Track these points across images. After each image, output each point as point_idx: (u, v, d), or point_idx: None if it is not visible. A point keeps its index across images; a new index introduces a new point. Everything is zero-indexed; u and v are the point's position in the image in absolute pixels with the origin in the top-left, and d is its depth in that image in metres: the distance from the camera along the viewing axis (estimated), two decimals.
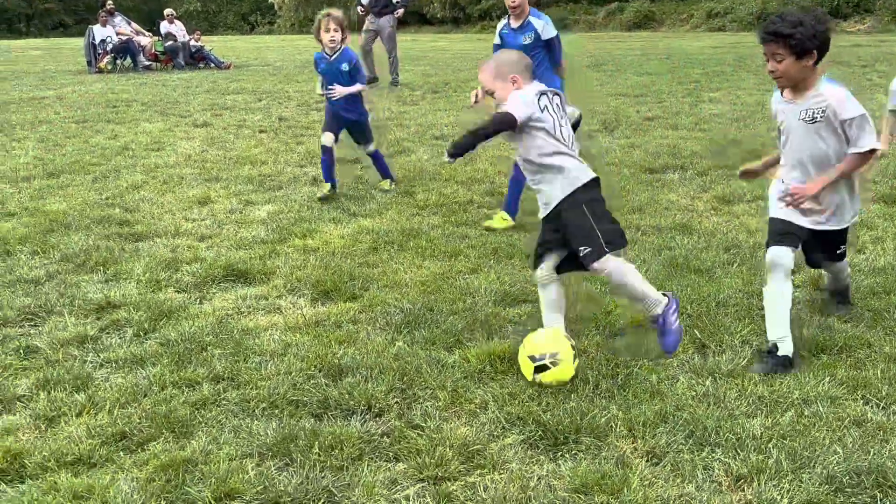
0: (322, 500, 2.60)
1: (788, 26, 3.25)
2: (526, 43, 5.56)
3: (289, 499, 2.60)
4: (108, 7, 19.20)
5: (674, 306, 3.49)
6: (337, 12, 6.38)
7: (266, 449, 2.87)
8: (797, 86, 3.44)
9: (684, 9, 34.09)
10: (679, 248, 5.01)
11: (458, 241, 5.31)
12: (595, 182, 3.60)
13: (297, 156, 8.26)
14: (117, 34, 18.74)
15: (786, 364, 3.40)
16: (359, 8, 14.74)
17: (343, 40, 6.37)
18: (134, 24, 20.31)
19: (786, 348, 3.43)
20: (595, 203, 3.53)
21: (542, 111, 3.52)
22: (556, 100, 3.64)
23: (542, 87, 3.67)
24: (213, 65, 19.23)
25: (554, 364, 3.31)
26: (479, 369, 3.46)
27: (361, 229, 5.59)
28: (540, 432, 2.95)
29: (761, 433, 2.90)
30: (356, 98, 6.46)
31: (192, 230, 5.65)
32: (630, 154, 7.92)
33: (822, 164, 3.47)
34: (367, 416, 3.11)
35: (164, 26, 19.82)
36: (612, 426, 2.97)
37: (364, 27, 14.74)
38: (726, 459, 2.76)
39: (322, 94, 6.60)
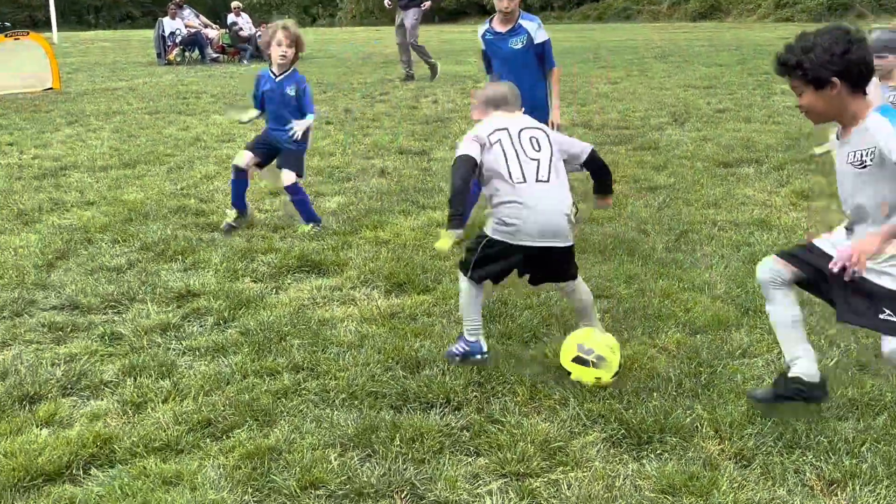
0: (405, 493, 2.61)
1: (796, 55, 2.72)
2: (517, 48, 5.17)
3: (372, 490, 2.61)
4: (178, 0, 19.55)
5: None
6: (293, 25, 5.51)
7: (347, 439, 2.89)
8: (841, 121, 2.79)
9: None
10: (759, 244, 4.89)
11: None
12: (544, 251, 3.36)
13: (363, 147, 8.30)
14: (186, 27, 19.10)
15: (797, 391, 2.92)
16: (386, 2, 14.55)
17: (295, 59, 5.48)
18: (202, 17, 20.67)
19: (800, 369, 2.94)
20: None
21: (492, 146, 3.36)
22: (529, 135, 3.45)
23: (506, 123, 3.48)
24: None
25: (594, 365, 3.24)
26: (557, 364, 3.42)
27: (431, 221, 5.59)
28: (623, 431, 2.91)
29: (854, 437, 2.81)
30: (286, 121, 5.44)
31: (265, 220, 5.72)
32: (702, 147, 7.77)
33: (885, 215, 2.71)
34: (447, 410, 3.10)
35: (231, 18, 20.12)
36: (697, 426, 2.91)
37: (396, 23, 14.47)
38: (818, 463, 2.68)
39: (246, 122, 6.01)
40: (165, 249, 5.02)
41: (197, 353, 3.63)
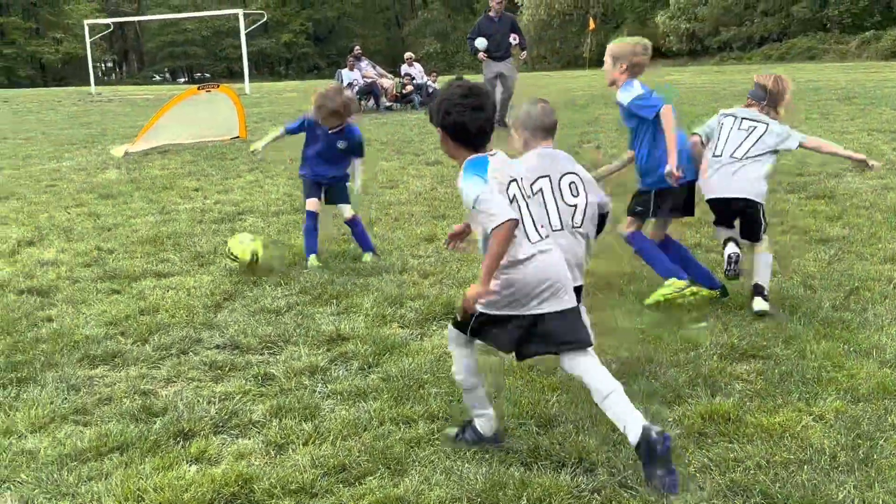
0: None
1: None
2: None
3: None
4: (356, 52, 20.63)
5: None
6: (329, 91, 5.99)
7: (475, 494, 2.88)
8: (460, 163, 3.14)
9: None
10: None
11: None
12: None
13: None
14: (363, 77, 20.08)
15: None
16: (480, 55, 14.21)
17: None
18: (378, 68, 21.66)
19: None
20: None
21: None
22: (543, 184, 3.63)
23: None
24: None
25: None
26: (700, 429, 3.26)
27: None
28: None
29: None
30: (342, 156, 6.06)
31: (417, 266, 5.86)
32: (883, 197, 7.22)
33: None
34: (578, 470, 3.02)
35: (404, 69, 20.97)
36: None
37: (484, 73, 14.34)
38: None
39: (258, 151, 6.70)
40: (322, 293, 5.25)
41: (340, 396, 3.75)
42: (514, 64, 14.58)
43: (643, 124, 4.68)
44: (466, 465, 3.08)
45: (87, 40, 34.03)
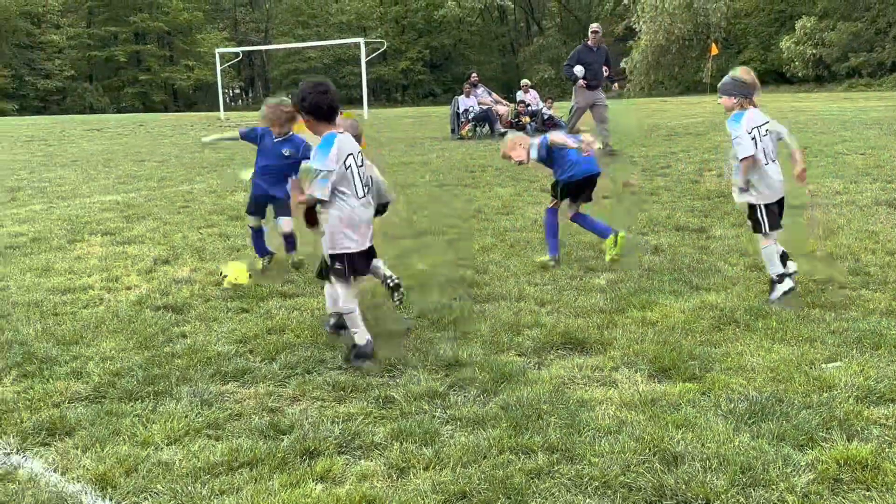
0: None
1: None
2: None
3: None
4: (473, 79, 20.89)
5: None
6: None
7: None
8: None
9: None
10: None
11: (813, 324, 4.88)
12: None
13: (638, 223, 8.22)
14: (479, 104, 20.30)
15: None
16: (581, 81, 14.54)
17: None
18: (494, 94, 21.86)
19: None
20: None
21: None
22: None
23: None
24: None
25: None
26: (835, 475, 3.11)
27: (704, 304, 5.37)
28: None
29: None
30: (288, 168, 6.34)
31: (534, 294, 5.85)
32: None
33: None
34: None
35: (520, 95, 21.07)
36: None
37: (577, 99, 14.88)
38: None
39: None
40: (440, 318, 5.31)
41: (459, 423, 3.78)
42: (604, 93, 15.22)
43: None
44: (588, 499, 3.05)
45: (218, 68, 35.81)
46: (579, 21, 75.54)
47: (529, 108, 20.78)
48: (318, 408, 4.00)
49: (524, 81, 22.08)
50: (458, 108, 20.20)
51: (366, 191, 4.61)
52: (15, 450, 3.62)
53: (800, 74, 47.64)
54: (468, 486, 3.15)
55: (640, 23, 55.00)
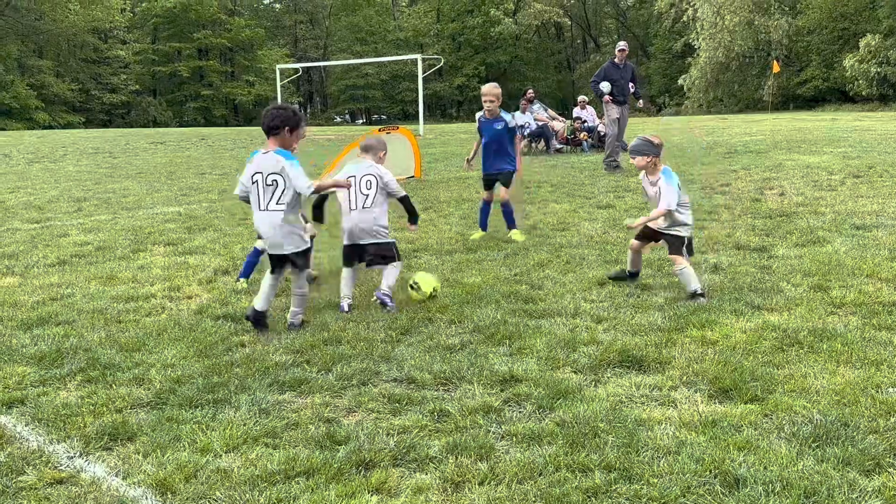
0: None
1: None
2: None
3: None
4: (529, 95, 20.88)
5: None
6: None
7: None
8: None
9: None
10: None
11: (880, 347, 4.74)
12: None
13: (697, 241, 8.08)
14: (535, 119, 20.27)
15: None
16: (606, 96, 14.99)
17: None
18: (550, 111, 21.81)
19: None
20: None
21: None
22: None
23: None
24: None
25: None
26: None
27: (766, 325, 5.25)
28: None
29: None
30: None
31: (590, 311, 5.79)
32: None
33: None
34: None
35: (577, 111, 20.99)
36: None
37: (607, 113, 15.38)
38: None
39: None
40: (495, 333, 5.30)
41: (514, 438, 3.75)
42: (628, 110, 16.01)
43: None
44: None
45: (278, 83, 36.50)
46: (637, 38, 75.12)
47: (586, 124, 20.67)
48: (373, 419, 4.01)
49: (581, 97, 22.00)
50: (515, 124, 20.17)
51: (266, 202, 5.44)
52: (78, 453, 3.71)
53: (863, 93, 46.58)
54: (524, 503, 3.12)
55: (700, 39, 54.42)
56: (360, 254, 6.16)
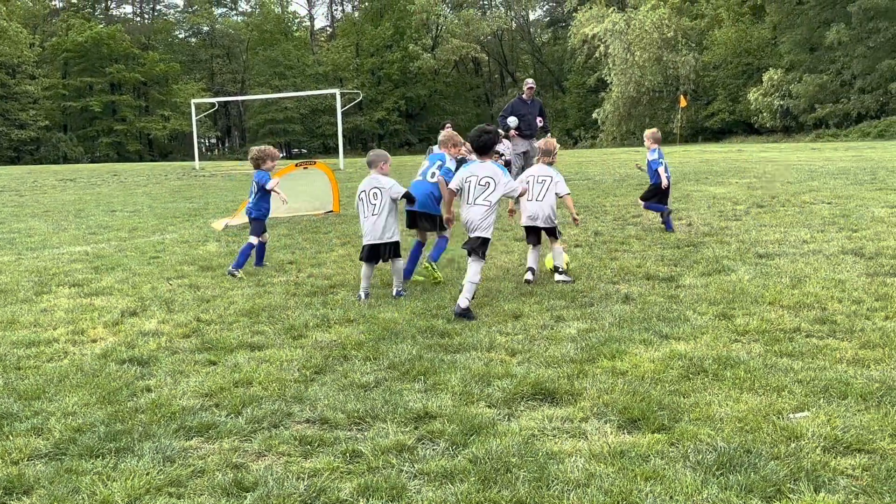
0: None
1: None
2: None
3: None
4: (447, 129, 21.06)
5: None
6: (253, 150, 9.41)
7: None
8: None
9: None
10: None
11: (781, 373, 4.90)
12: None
13: (609, 272, 8.27)
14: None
15: None
16: (511, 132, 15.66)
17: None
18: (466, 144, 22.05)
19: None
20: None
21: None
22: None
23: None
24: None
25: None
26: None
27: (673, 354, 5.39)
28: None
29: None
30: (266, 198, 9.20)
31: (504, 344, 5.83)
32: None
33: None
34: None
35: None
36: None
37: (512, 148, 15.97)
38: None
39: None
40: (410, 369, 5.27)
41: (427, 477, 3.72)
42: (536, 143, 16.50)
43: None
44: None
45: (194, 118, 35.94)
46: (552, 73, 76.89)
47: (503, 157, 20.96)
48: (283, 463, 3.93)
49: (499, 131, 22.35)
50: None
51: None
52: None
53: (768, 125, 48.68)
54: None
55: (612, 75, 56.12)
56: (377, 252, 7.44)
